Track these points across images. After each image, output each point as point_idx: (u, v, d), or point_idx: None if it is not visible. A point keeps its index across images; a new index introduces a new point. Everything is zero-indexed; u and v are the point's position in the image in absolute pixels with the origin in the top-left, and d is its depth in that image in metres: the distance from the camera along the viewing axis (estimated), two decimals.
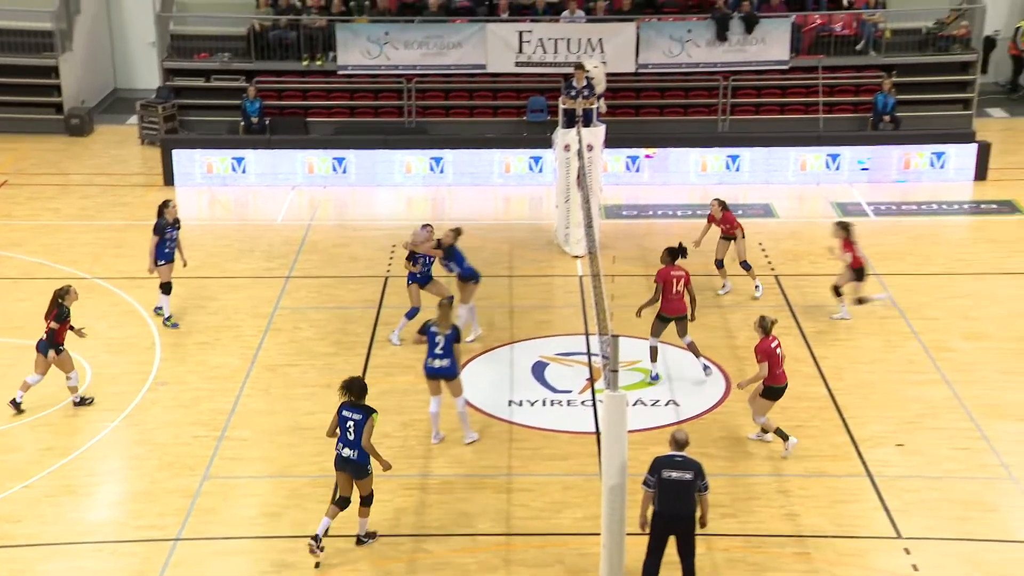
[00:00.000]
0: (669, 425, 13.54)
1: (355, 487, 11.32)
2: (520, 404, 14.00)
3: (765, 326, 12.69)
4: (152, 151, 23.06)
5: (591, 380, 14.60)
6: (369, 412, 11.16)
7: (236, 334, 15.92)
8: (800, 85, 23.52)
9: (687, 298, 14.32)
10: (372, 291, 17.20)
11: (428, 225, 15.57)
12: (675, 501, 10.27)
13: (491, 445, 13.24)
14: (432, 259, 15.49)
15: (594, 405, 13.98)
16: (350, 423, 11.16)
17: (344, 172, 21.75)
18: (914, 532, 11.55)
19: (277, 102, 23.66)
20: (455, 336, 12.91)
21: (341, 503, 11.34)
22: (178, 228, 16.07)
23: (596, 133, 18.33)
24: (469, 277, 15.46)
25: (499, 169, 21.73)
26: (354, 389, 11.27)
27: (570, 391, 14.39)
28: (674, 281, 14.23)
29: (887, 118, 22.46)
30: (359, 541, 11.55)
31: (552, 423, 13.65)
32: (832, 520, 11.78)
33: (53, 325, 13.68)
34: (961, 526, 11.64)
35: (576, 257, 18.19)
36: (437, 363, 12.89)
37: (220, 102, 23.84)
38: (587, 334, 15.65)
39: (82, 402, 13.98)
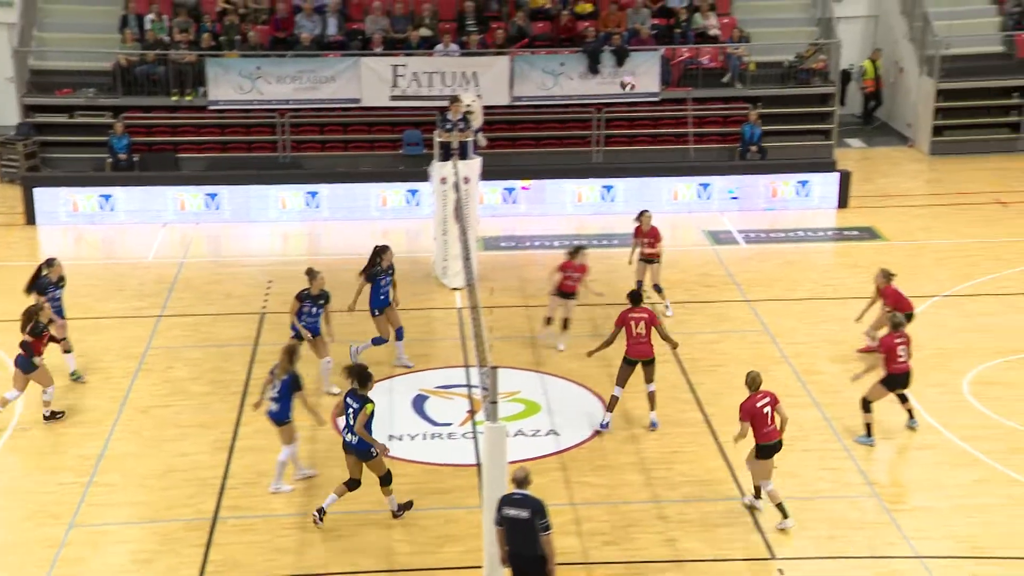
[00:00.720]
0: (551, 455, 13.62)
1: (366, 470, 11.93)
2: (400, 438, 13.90)
3: (748, 380, 12.07)
4: (12, 189, 22.34)
5: (472, 412, 14.58)
6: (365, 402, 11.72)
7: (105, 376, 15.45)
8: (671, 116, 24.06)
9: (653, 340, 13.99)
10: (248, 328, 16.91)
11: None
12: (517, 540, 10.14)
13: (373, 480, 13.07)
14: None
15: (475, 437, 13.96)
16: (350, 410, 11.79)
17: (217, 208, 21.39)
18: (787, 553, 11.81)
19: (146, 138, 23.16)
20: (290, 382, 12.60)
21: (350, 484, 12.00)
22: (62, 287, 15.30)
23: (472, 166, 18.43)
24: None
25: (376, 203, 21.67)
26: (354, 376, 11.82)
27: (451, 424, 14.35)
28: (633, 323, 13.96)
29: (754, 148, 23.13)
30: (394, 515, 12.17)
31: (433, 456, 13.59)
32: (709, 544, 11.97)
33: (28, 338, 13.85)
34: (831, 544, 11.94)
35: (455, 289, 18.21)
36: (272, 407, 12.70)
37: (86, 139, 23.22)
38: (467, 366, 15.65)
39: (53, 416, 14.11)
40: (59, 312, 15.11)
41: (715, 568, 11.59)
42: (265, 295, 18.15)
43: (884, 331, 15.17)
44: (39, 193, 21.02)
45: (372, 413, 11.83)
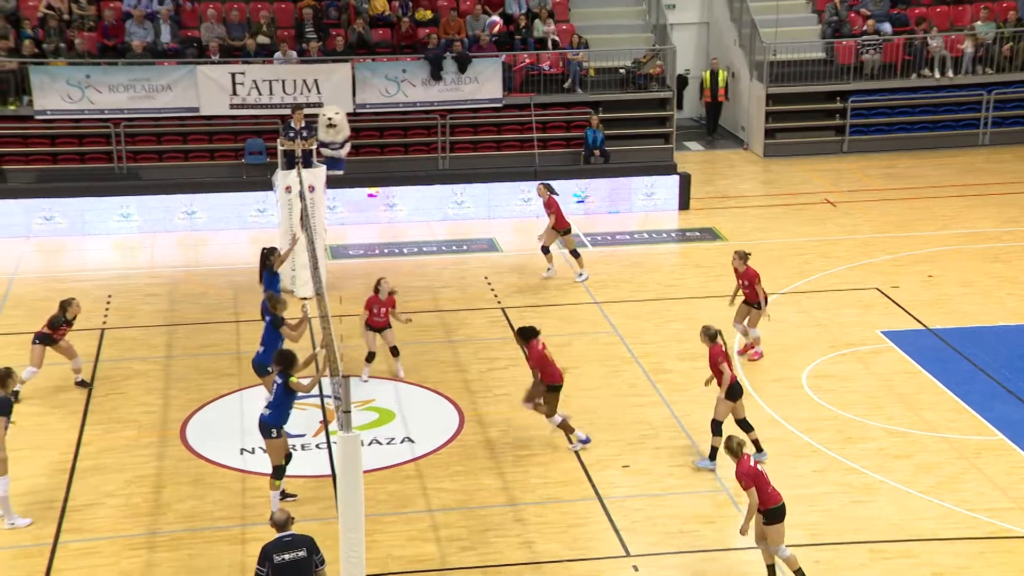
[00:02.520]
0: (407, 462, 13.54)
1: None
2: (253, 451, 13.60)
3: (732, 447, 11.24)
4: None
5: (325, 422, 14.38)
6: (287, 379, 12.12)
7: None
8: (514, 122, 24.28)
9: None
10: (88, 344, 16.25)
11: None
12: None
13: (223, 496, 12.77)
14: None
15: (329, 447, 13.77)
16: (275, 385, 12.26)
17: (49, 221, 20.53)
18: (641, 549, 12.02)
19: None
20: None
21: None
22: None
23: (317, 174, 18.19)
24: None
25: (220, 212, 21.16)
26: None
27: (304, 435, 14.11)
28: (545, 351, 13.79)
29: (597, 152, 23.53)
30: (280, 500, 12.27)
31: (288, 468, 13.30)
32: (567, 544, 12.09)
33: (46, 330, 14.63)
34: (682, 539, 12.19)
35: (304, 299, 17.93)
36: None
37: None
38: (319, 376, 15.39)
39: (82, 384, 14.96)
40: None
41: (573, 568, 11.71)
42: (105, 310, 17.51)
43: (752, 323, 15.85)
44: None
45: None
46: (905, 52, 26.05)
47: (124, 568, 11.48)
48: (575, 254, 19.00)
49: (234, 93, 22.65)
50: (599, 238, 21.27)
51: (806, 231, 21.52)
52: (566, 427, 13.92)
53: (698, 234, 21.61)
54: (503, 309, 17.92)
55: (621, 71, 25.15)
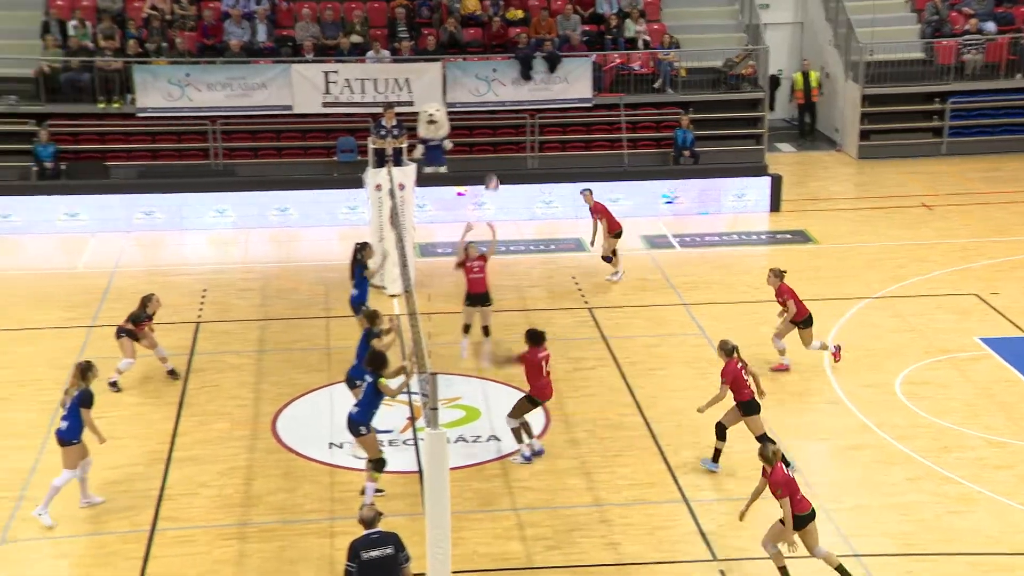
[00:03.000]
0: (492, 460, 13.60)
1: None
2: (341, 446, 13.78)
3: (767, 455, 11.20)
4: None
5: (412, 419, 14.52)
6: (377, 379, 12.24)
7: (35, 388, 15.12)
8: (604, 122, 24.22)
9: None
10: (183, 337, 16.65)
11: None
12: None
13: (312, 489, 12.98)
14: None
15: (416, 444, 13.90)
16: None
17: (149, 216, 21.05)
18: (728, 553, 11.91)
19: (73, 146, 22.72)
20: (80, 398, 12.18)
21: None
22: None
23: (407, 172, 18.37)
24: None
25: (312, 209, 21.47)
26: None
27: (391, 431, 14.25)
28: (542, 363, 13.54)
29: (687, 153, 23.37)
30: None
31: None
32: (652, 546, 12.03)
33: (128, 325, 14.94)
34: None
35: (392, 296, 18.12)
36: (60, 425, 12.20)
37: (9, 147, 22.69)
38: (407, 373, 15.54)
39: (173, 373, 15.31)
40: None
41: (659, 571, 11.66)
42: (200, 304, 17.90)
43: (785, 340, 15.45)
44: None
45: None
46: (1010, 52, 25.37)
47: (217, 557, 11.73)
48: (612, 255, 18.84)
49: (327, 92, 22.98)
50: (688, 239, 21.11)
51: (901, 235, 21.11)
52: (518, 434, 13.46)
53: (789, 236, 21.32)
54: (590, 309, 17.89)
55: (713, 71, 24.92)
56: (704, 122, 24.21)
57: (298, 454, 13.69)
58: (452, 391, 14.98)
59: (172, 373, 15.44)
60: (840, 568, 11.18)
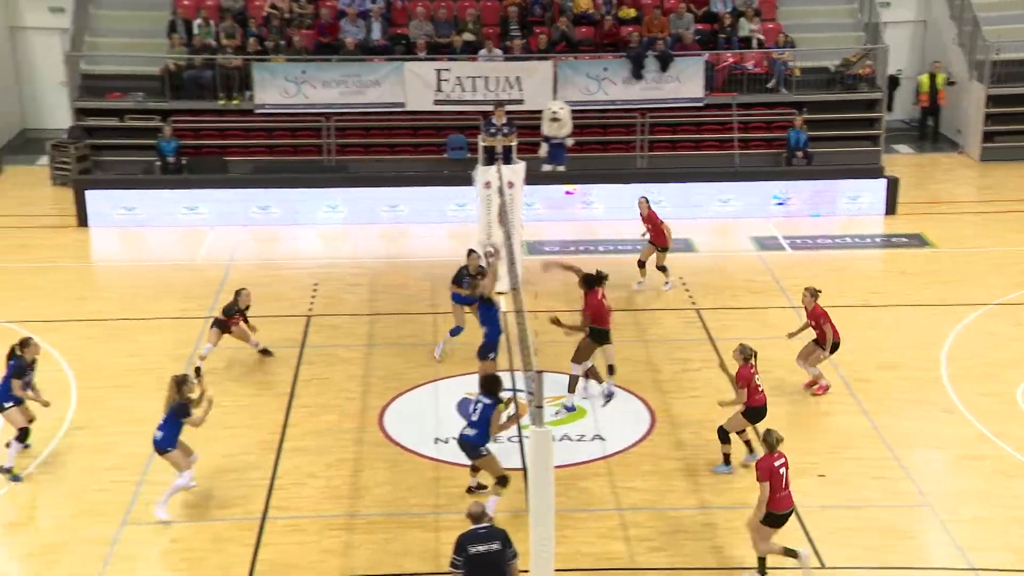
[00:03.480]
0: (597, 460, 13.60)
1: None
2: (446, 441, 13.92)
3: (771, 440, 11.22)
4: (64, 192, 22.61)
5: (517, 417, 14.57)
6: (497, 403, 12.30)
7: (156, 376, 15.54)
8: (715, 122, 23.98)
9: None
10: (295, 330, 17.01)
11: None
12: (485, 574, 9.82)
13: (418, 483, 13.15)
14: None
15: (520, 441, 13.97)
16: (479, 405, 12.34)
17: (264, 210, 21.56)
18: (837, 561, 11.71)
19: (194, 141, 23.41)
20: (176, 409, 12.31)
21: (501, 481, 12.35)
22: (34, 370, 13.71)
23: (516, 170, 18.45)
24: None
25: (421, 207, 21.73)
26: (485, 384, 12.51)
27: None
28: (602, 301, 14.46)
29: (800, 154, 22.99)
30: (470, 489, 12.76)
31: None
32: None
33: (221, 316, 15.55)
34: (881, 555, 11.82)
35: (499, 293, 18.21)
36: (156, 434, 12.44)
37: (135, 142, 23.50)
38: (512, 370, 15.66)
39: (266, 352, 15.86)
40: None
41: None
42: (311, 298, 18.26)
43: (813, 362, 14.89)
44: (91, 195, 21.28)
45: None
46: None
47: (325, 547, 11.97)
48: (662, 269, 18.37)
49: (439, 89, 23.22)
50: (799, 241, 20.78)
51: None
52: (593, 373, 14.30)
53: (905, 240, 20.83)
54: (698, 311, 17.74)
55: (829, 71, 24.45)
56: (818, 123, 23.80)
57: (404, 448, 13.88)
58: (559, 390, 15.00)
59: (265, 352, 15.90)
60: (785, 548, 11.24)
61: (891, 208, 21.91)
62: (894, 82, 26.39)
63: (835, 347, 14.87)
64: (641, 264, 18.47)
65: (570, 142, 22.10)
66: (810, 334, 15.07)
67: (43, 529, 12.38)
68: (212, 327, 15.76)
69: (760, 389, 13.00)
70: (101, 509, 12.55)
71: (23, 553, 11.98)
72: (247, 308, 15.88)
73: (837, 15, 26.11)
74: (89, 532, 12.15)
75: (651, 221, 18.15)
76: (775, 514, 11.14)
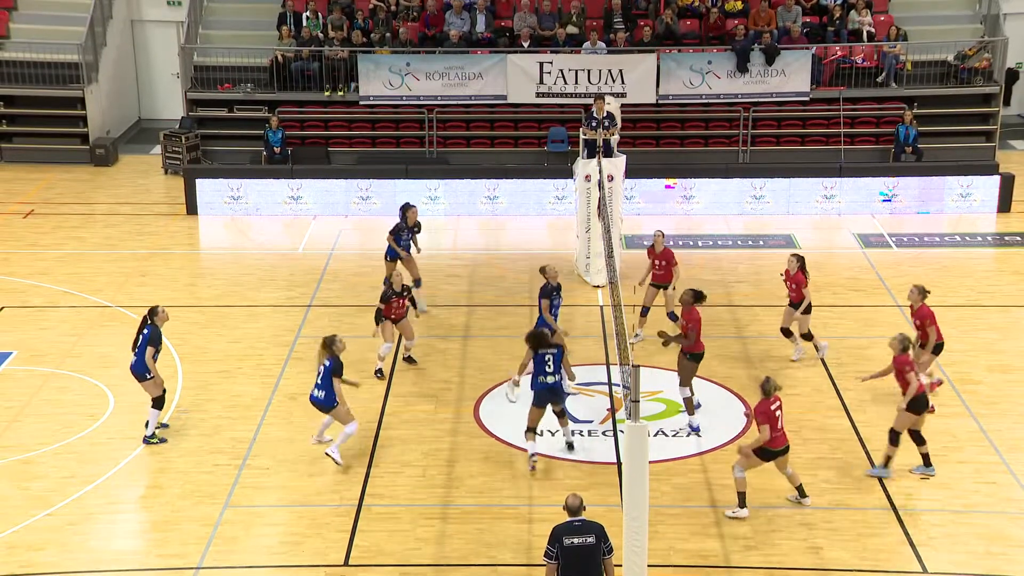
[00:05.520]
0: (691, 456, 13.48)
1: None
2: (541, 434, 13.94)
3: (767, 387, 11.97)
4: (175, 180, 23.24)
5: (612, 410, 14.55)
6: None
7: (258, 362, 15.95)
8: (821, 116, 23.53)
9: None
10: None
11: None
12: (579, 568, 9.76)
13: (512, 474, 13.20)
14: None
15: (615, 435, 13.93)
16: (548, 357, 13.13)
17: (366, 200, 21.84)
18: (940, 567, 11.43)
19: (299, 132, 23.82)
20: (331, 367, 13.12)
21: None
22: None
23: (616, 163, 18.36)
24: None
25: (520, 199, 21.77)
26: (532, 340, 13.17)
27: (591, 421, 14.33)
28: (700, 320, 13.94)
29: (909, 149, 22.43)
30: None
31: (574, 453, 13.58)
32: (856, 554, 11.67)
33: (380, 305, 15.33)
34: (987, 561, 11.51)
35: (597, 287, 18.18)
36: (317, 393, 13.28)
37: (243, 132, 24.03)
38: (608, 364, 15.61)
39: (379, 372, 15.46)
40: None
41: None
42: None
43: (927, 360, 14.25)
44: (200, 184, 21.82)
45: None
46: None
47: (420, 535, 12.09)
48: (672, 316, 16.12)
49: (541, 82, 23.22)
50: (905, 239, 20.29)
51: None
52: (688, 404, 13.97)
53: (1019, 239, 20.18)
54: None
55: (943, 64, 23.77)
56: (930, 117, 23.19)
57: (499, 439, 13.94)
58: (654, 384, 14.92)
59: (408, 359, 15.71)
60: (800, 488, 12.20)
61: (1005, 206, 21.24)
62: (1013, 75, 25.49)
63: (938, 349, 14.43)
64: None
65: (615, 140, 19.92)
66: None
67: (150, 508, 12.76)
68: (381, 322, 15.35)
69: (780, 427, 12.03)
70: (205, 491, 12.87)
71: (131, 531, 12.36)
72: (404, 289, 15.48)
73: (954, 6, 25.39)
74: (193, 512, 12.48)
75: (665, 257, 16.07)
76: (770, 450, 12.00)
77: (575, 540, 9.86)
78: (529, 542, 11.92)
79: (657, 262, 16.12)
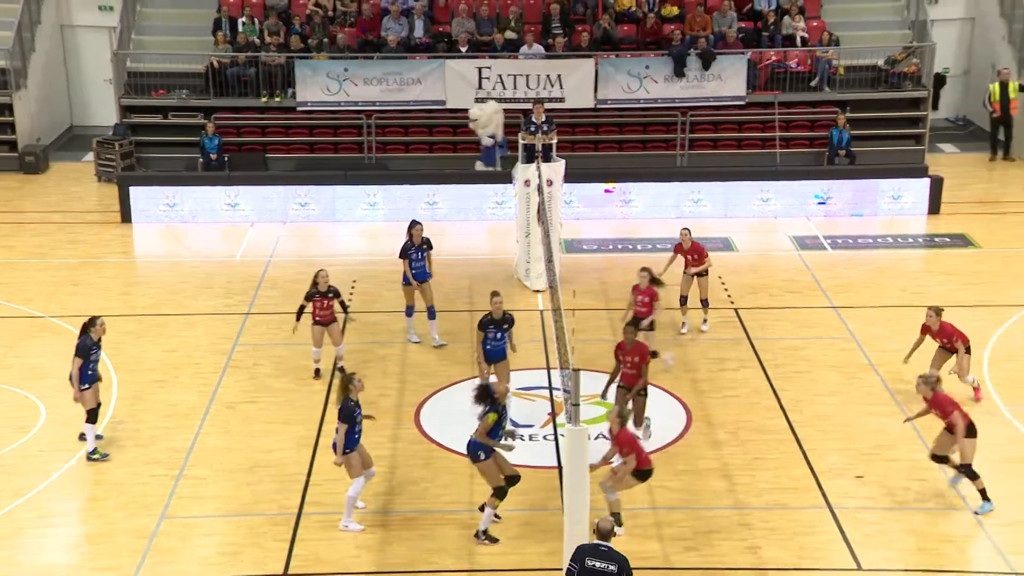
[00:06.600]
0: None
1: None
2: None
3: (624, 416, 12.13)
4: (109, 188, 22.91)
5: (553, 414, 14.59)
6: (486, 413, 11.90)
7: (195, 371, 15.78)
8: (757, 120, 23.82)
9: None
10: None
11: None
12: None
13: (453, 480, 13.18)
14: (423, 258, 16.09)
15: (556, 439, 13.96)
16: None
17: (304, 207, 21.70)
18: (874, 564, 11.61)
19: (236, 139, 23.61)
20: (339, 413, 12.09)
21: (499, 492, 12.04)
22: (100, 348, 13.83)
23: (555, 168, 18.44)
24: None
25: (459, 204, 21.77)
26: (478, 397, 12.09)
27: (532, 425, 14.37)
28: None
29: (842, 153, 22.78)
30: (476, 536, 12.03)
31: (514, 458, 13.57)
32: (793, 552, 11.82)
33: (304, 303, 15.17)
34: (919, 557, 11.72)
35: (537, 292, 18.23)
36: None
37: (178, 139, 23.76)
38: (548, 368, 15.66)
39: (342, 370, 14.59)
40: (95, 374, 13.57)
41: None
42: (349, 295, 18.35)
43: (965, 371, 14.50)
44: (135, 192, 21.53)
45: (494, 423, 11.88)
46: None
47: (360, 543, 12.03)
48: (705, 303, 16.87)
49: (479, 87, 23.24)
50: (839, 241, 20.60)
51: None
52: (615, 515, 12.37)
53: (948, 240, 20.58)
54: (736, 309, 17.63)
55: (874, 69, 24.17)
56: (862, 121, 23.57)
57: (440, 445, 13.92)
58: (594, 388, 14.97)
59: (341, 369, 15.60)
60: (616, 515, 11.77)
61: (935, 208, 21.66)
62: (940, 80, 26.01)
63: (967, 350, 14.56)
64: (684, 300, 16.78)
65: (489, 141, 21.46)
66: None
67: (84, 521, 12.56)
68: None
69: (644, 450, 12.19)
70: (140, 502, 12.71)
71: (63, 544, 12.15)
72: (329, 290, 15.26)
73: (883, 12, 25.83)
74: (128, 524, 12.31)
75: (696, 251, 16.64)
76: (645, 471, 11.92)
77: (597, 564, 9.74)
78: (470, 548, 11.91)
79: (690, 256, 16.59)
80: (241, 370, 15.77)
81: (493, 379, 13.86)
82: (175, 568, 11.64)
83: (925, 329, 14.71)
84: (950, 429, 12.52)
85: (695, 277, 16.67)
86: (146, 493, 12.86)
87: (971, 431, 12.42)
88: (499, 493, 11.99)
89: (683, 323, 16.82)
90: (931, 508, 12.48)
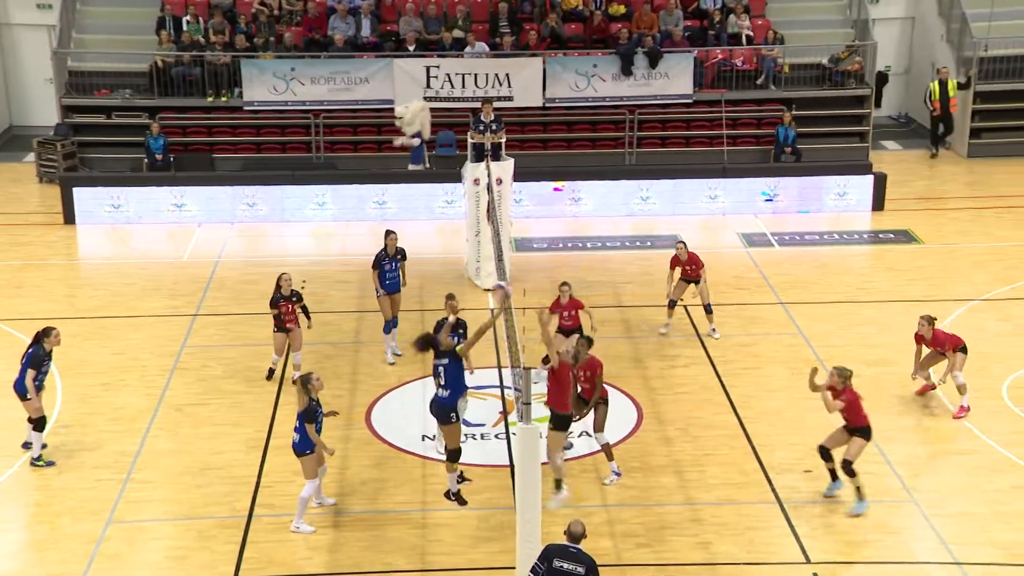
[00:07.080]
0: (584, 456, 13.59)
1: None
2: (434, 438, 13.91)
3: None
4: (51, 189, 22.55)
5: (504, 413, 14.59)
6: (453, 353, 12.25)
7: (141, 374, 15.58)
8: (704, 118, 23.99)
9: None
10: None
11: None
12: None
13: (405, 480, 13.14)
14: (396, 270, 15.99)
15: (508, 438, 13.97)
16: (440, 368, 12.24)
17: (252, 208, 21.51)
18: (823, 556, 11.74)
19: (182, 139, 23.35)
20: (302, 414, 11.93)
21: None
22: (51, 359, 13.55)
23: (505, 167, 18.44)
24: None
25: (408, 203, 21.70)
26: (423, 345, 12.27)
27: (483, 424, 14.36)
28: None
29: (788, 150, 23.01)
30: (447, 495, 12.39)
31: (466, 457, 13.54)
32: (744, 547, 11.92)
33: (272, 311, 15.07)
34: (866, 550, 11.86)
35: (487, 290, 18.22)
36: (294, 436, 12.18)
37: (122, 139, 23.43)
38: (499, 367, 15.66)
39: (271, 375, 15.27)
40: (42, 383, 13.36)
41: (750, 572, 11.54)
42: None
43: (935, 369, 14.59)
44: (78, 192, 21.21)
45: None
46: None
47: (312, 544, 11.95)
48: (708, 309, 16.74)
49: (428, 86, 23.18)
50: (787, 238, 20.80)
51: (1011, 235, 20.50)
52: (607, 451, 13.09)
53: (892, 236, 20.87)
54: (685, 307, 17.71)
55: (818, 67, 24.44)
56: (807, 119, 23.83)
57: (392, 445, 13.87)
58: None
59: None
60: (559, 481, 12.16)
61: (879, 204, 21.95)
62: (882, 78, 26.38)
63: (963, 349, 14.38)
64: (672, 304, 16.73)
65: (416, 142, 21.28)
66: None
67: (28, 527, 12.36)
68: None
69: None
70: (87, 507, 12.52)
71: (7, 551, 11.94)
72: (292, 294, 15.16)
73: (826, 11, 26.13)
74: (74, 529, 12.13)
75: (693, 261, 16.49)
76: (563, 415, 12.22)
77: (565, 565, 9.69)
78: (422, 547, 11.89)
79: (688, 267, 16.47)
80: (189, 372, 15.60)
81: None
82: (123, 573, 11.49)
83: (919, 338, 14.61)
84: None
85: (691, 284, 16.55)
86: (92, 498, 12.68)
87: (866, 433, 12.47)
88: (454, 455, 12.30)
89: (666, 324, 16.68)
90: (877, 501, 12.63)
